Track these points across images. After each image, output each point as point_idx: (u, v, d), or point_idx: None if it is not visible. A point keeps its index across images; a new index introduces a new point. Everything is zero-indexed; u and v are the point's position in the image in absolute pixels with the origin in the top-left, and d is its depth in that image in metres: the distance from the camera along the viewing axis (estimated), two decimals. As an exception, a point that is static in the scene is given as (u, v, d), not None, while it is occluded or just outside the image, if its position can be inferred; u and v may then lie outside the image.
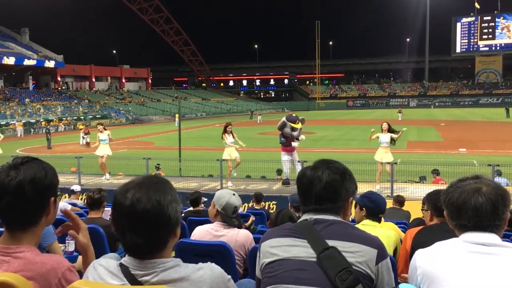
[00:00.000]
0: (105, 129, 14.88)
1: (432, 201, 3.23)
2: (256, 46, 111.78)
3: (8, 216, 1.58)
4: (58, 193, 1.70)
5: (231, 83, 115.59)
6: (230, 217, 3.54)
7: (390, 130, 12.71)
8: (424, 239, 2.87)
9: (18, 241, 1.58)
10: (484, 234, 1.60)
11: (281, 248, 1.74)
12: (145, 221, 1.43)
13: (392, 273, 1.74)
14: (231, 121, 13.97)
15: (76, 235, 1.76)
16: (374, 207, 3.56)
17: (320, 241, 1.69)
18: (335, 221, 1.76)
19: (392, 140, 12.62)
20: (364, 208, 3.55)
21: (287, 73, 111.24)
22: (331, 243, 1.67)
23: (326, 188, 1.77)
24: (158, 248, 1.48)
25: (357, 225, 3.48)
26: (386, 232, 3.48)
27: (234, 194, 3.63)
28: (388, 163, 12.24)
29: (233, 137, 13.36)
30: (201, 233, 3.55)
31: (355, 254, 1.66)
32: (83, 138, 30.11)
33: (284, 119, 12.79)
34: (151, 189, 1.47)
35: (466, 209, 1.60)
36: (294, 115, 13.22)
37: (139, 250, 1.46)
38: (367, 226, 3.42)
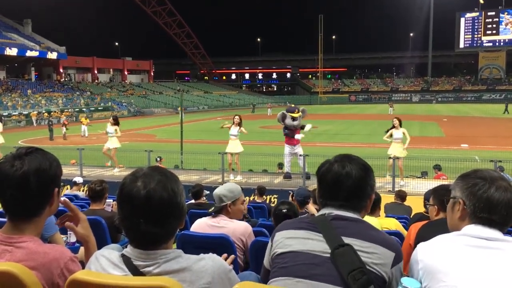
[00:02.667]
0: (115, 124, 14.45)
1: (439, 196, 3.20)
2: (258, 39, 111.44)
3: (12, 206, 1.58)
4: (61, 184, 1.70)
5: (233, 76, 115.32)
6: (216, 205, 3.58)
7: (401, 125, 12.66)
8: (429, 233, 2.85)
9: (20, 231, 1.58)
10: (487, 228, 1.61)
11: (296, 240, 1.71)
12: (162, 210, 1.44)
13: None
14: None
15: (73, 226, 1.75)
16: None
17: (336, 237, 1.66)
18: (355, 219, 1.74)
19: (404, 136, 12.60)
20: None
21: (290, 67, 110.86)
22: (347, 240, 1.64)
23: (355, 185, 1.75)
24: (170, 237, 1.50)
25: None
26: (385, 222, 3.48)
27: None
28: (398, 158, 12.20)
29: (239, 128, 13.09)
30: (201, 225, 3.56)
31: (371, 255, 1.63)
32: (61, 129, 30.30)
33: (283, 111, 12.86)
34: (163, 178, 1.48)
35: (501, 206, 1.61)
36: (292, 105, 13.28)
37: (155, 239, 1.46)
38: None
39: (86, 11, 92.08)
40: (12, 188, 1.55)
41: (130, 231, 1.48)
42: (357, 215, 1.76)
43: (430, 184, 11.41)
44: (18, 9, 70.02)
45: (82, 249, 1.87)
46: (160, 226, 1.45)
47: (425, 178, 13.03)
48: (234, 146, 13.16)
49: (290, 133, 12.78)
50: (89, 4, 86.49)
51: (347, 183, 1.74)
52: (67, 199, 1.72)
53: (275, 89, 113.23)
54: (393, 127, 12.61)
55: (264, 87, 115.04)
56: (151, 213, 1.43)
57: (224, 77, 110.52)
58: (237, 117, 13.33)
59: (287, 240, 1.73)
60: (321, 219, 1.73)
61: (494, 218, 1.62)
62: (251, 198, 10.41)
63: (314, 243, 1.67)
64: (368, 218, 3.50)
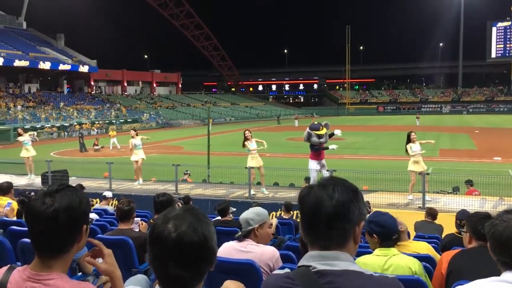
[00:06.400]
0: (137, 135, 15.04)
1: (471, 223, 3.10)
2: (285, 50, 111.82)
3: (41, 243, 1.60)
4: (90, 220, 1.71)
5: (260, 87, 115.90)
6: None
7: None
8: (462, 263, 2.76)
9: (49, 267, 1.59)
10: None
11: None
12: (191, 254, 1.41)
13: None
14: (249, 127, 13.86)
15: (95, 262, 1.74)
16: (384, 231, 3.18)
17: None
18: (343, 272, 1.48)
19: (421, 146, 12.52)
20: (374, 235, 3.20)
21: (317, 78, 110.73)
22: None
23: (338, 208, 1.50)
24: (198, 281, 1.46)
25: (370, 255, 3.19)
26: (404, 261, 3.08)
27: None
28: (420, 173, 11.95)
29: (255, 141, 13.24)
30: (228, 250, 3.52)
31: None
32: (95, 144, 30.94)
33: (307, 129, 12.57)
34: (195, 221, 1.45)
35: (511, 246, 1.51)
36: (316, 122, 13.04)
37: (183, 283, 1.43)
38: (380, 256, 3.09)
39: (117, 25, 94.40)
40: (42, 224, 1.57)
41: (159, 272, 1.45)
42: (344, 256, 1.53)
43: (462, 200, 11.11)
44: (51, 24, 72.29)
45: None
46: (188, 270, 1.42)
47: (456, 193, 12.67)
48: (256, 159, 13.22)
49: (318, 148, 12.61)
50: (119, 19, 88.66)
51: (327, 206, 1.50)
52: (90, 238, 1.72)
53: (302, 100, 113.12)
54: (409, 141, 12.36)
55: (291, 98, 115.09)
56: (180, 256, 1.41)
57: (251, 89, 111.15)
58: (247, 132, 13.35)
59: None
60: (308, 282, 1.49)
61: (505, 260, 1.52)
62: (278, 213, 10.35)
63: None
64: (381, 255, 3.17)
